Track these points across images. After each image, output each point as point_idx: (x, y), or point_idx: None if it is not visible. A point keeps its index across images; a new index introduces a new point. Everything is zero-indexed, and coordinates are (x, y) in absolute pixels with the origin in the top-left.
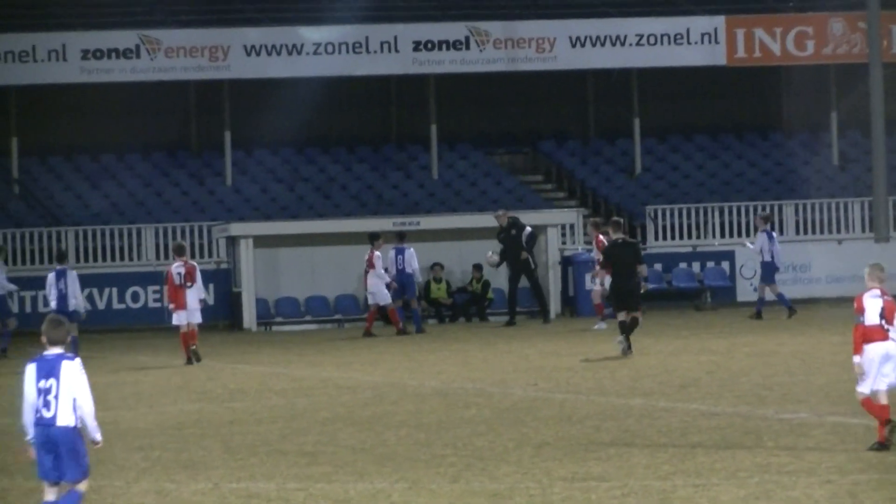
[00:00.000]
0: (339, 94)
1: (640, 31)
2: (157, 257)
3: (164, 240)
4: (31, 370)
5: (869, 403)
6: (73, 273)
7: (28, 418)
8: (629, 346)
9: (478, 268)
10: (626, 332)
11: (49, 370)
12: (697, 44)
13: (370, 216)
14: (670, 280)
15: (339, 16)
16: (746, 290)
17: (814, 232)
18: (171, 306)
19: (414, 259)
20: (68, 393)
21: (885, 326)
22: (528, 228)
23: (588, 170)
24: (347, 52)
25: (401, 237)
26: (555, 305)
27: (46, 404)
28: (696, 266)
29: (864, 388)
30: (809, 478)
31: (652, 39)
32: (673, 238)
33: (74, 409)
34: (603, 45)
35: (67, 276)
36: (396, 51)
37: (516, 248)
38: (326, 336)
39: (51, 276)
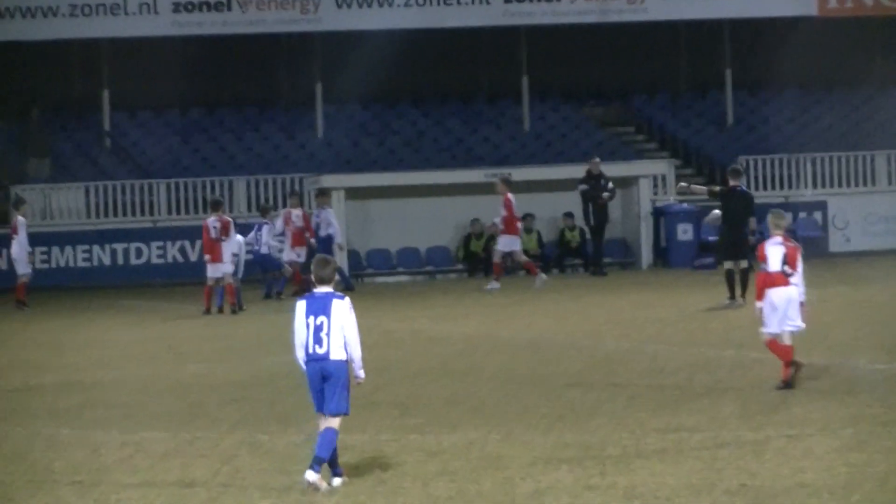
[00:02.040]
0: (429, 47)
1: None
2: (249, 209)
3: (256, 192)
4: (301, 307)
5: (774, 345)
6: (266, 225)
7: (300, 354)
8: (733, 297)
9: (569, 216)
10: (730, 282)
11: (321, 307)
12: None
13: (461, 168)
14: (762, 231)
15: None
16: (839, 241)
17: None
18: (208, 258)
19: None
20: (339, 329)
21: (788, 272)
22: (611, 184)
23: (679, 122)
24: (438, 4)
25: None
26: (647, 256)
27: (318, 340)
28: (788, 217)
29: (767, 331)
30: None
31: None
32: (765, 188)
33: (345, 345)
34: None
35: (263, 228)
36: (487, 3)
37: (603, 201)
38: (418, 288)
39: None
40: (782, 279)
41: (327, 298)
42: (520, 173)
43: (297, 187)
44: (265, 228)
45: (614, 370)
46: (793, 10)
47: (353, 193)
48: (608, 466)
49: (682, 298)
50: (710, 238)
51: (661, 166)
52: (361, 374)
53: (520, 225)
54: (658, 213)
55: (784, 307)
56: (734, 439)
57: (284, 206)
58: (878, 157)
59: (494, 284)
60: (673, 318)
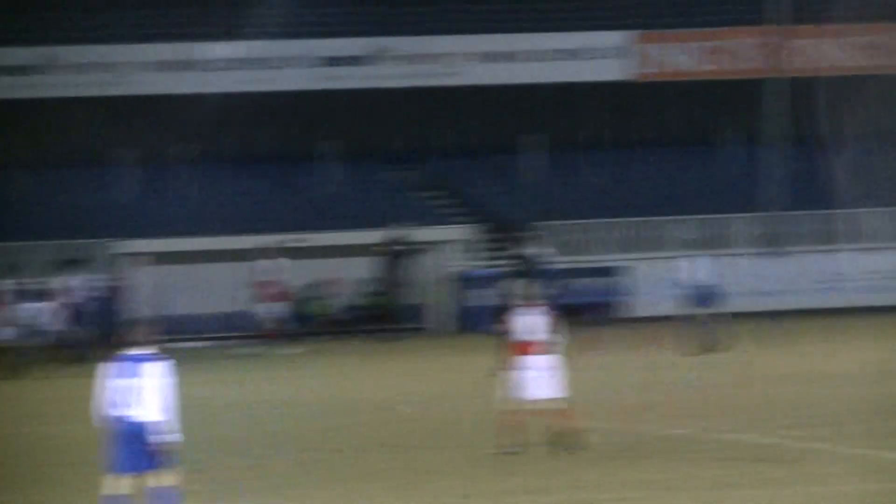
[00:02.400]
0: (234, 110)
1: (545, 47)
2: None
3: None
4: (113, 368)
5: (515, 416)
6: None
7: (105, 413)
8: None
9: (371, 280)
10: None
11: (134, 369)
12: (604, 59)
13: (263, 232)
14: (569, 295)
15: (248, 31)
16: (645, 305)
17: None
18: None
19: None
20: (153, 391)
21: (546, 339)
22: (412, 248)
23: (484, 187)
24: (251, 67)
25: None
26: (451, 321)
27: (131, 401)
28: (594, 281)
29: (529, 396)
30: (688, 492)
31: (557, 54)
32: (571, 253)
33: (157, 407)
34: (509, 60)
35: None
36: (301, 66)
37: (403, 262)
38: (208, 354)
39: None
40: (533, 347)
41: (145, 359)
42: (321, 238)
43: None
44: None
45: (455, 434)
46: (608, 75)
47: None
48: None
49: (481, 362)
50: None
51: (466, 231)
52: (176, 437)
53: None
54: (463, 279)
55: (536, 374)
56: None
57: None
58: (676, 222)
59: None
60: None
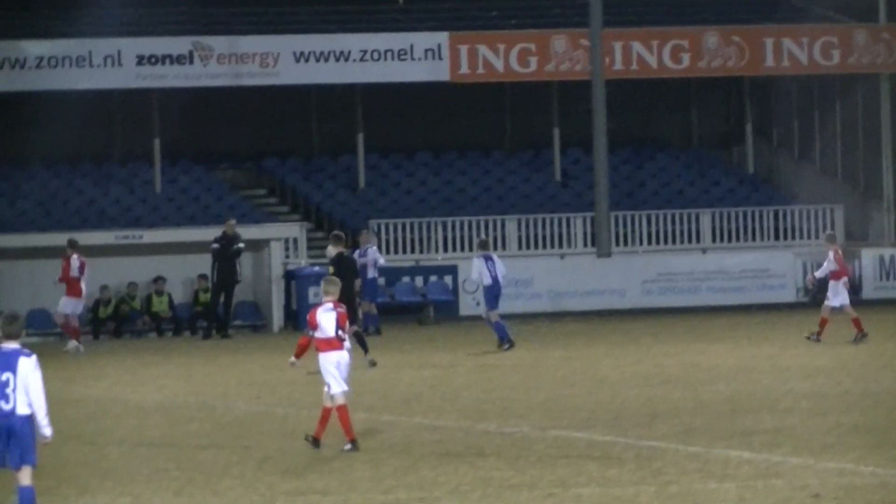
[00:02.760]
0: (62, 109)
1: (363, 47)
2: None
3: None
4: None
5: (328, 411)
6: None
7: None
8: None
9: (204, 277)
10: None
11: (6, 364)
12: (421, 60)
13: (91, 230)
14: (393, 294)
15: (60, 30)
16: (469, 305)
17: (536, 247)
18: None
19: None
20: (24, 386)
21: (342, 336)
22: (242, 245)
23: (311, 185)
24: (71, 65)
25: None
26: (278, 319)
27: (4, 396)
28: (419, 280)
29: (335, 392)
30: (532, 491)
31: (376, 55)
32: (396, 252)
33: (29, 402)
34: (327, 60)
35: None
36: (120, 65)
37: (232, 260)
38: (49, 349)
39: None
40: (338, 343)
41: (14, 355)
42: (151, 235)
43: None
44: None
45: (244, 433)
46: (426, 76)
47: None
48: None
49: (312, 361)
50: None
51: (293, 229)
52: (47, 431)
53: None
54: (289, 276)
55: (336, 368)
56: (364, 502)
57: None
58: (508, 221)
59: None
60: (303, 381)
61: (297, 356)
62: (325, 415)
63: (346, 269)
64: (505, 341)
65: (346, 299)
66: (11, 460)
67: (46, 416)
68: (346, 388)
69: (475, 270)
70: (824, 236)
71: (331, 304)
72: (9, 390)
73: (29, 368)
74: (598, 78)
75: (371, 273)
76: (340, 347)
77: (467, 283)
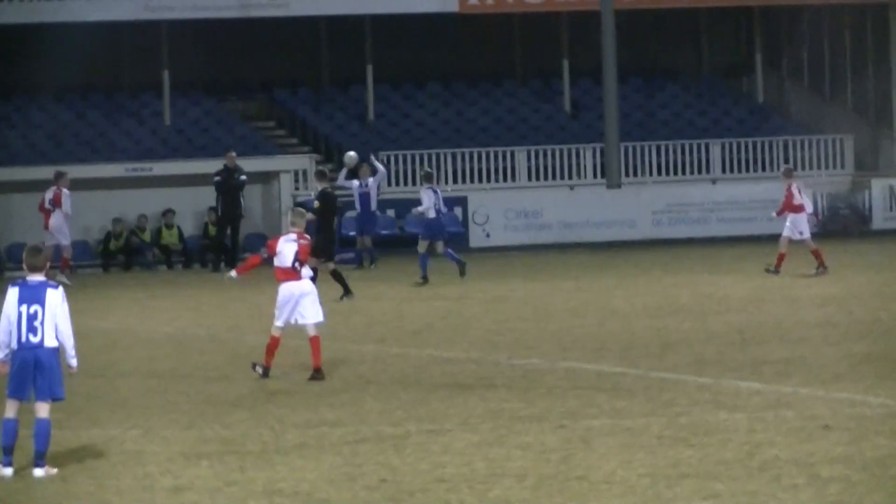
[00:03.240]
0: (71, 40)
1: None
2: None
3: None
4: (13, 294)
5: (275, 340)
6: None
7: (3, 339)
8: (349, 292)
9: (214, 210)
10: (340, 279)
11: (34, 296)
12: None
13: (102, 162)
14: (403, 226)
15: None
16: (479, 236)
17: (546, 178)
18: None
19: None
20: (52, 318)
21: (298, 267)
22: (244, 177)
23: (321, 117)
24: None
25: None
26: None
27: (32, 329)
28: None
29: (278, 324)
30: (541, 423)
31: None
32: (405, 184)
33: (57, 334)
34: None
35: None
36: None
37: (235, 192)
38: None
39: None
40: (294, 274)
41: (41, 287)
42: (161, 167)
43: None
44: None
45: None
46: (434, 7)
47: None
48: (248, 462)
49: (323, 294)
50: (352, 233)
51: (303, 161)
52: (74, 362)
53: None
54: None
55: (296, 300)
56: (375, 434)
57: None
58: (518, 152)
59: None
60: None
61: (239, 271)
62: (273, 344)
63: (329, 205)
64: (422, 276)
65: (329, 236)
66: (39, 393)
67: (74, 348)
68: (280, 324)
69: (427, 201)
70: (782, 170)
71: (294, 235)
72: (37, 323)
73: (57, 300)
74: (607, 8)
75: (373, 206)
76: (298, 278)
77: (412, 212)
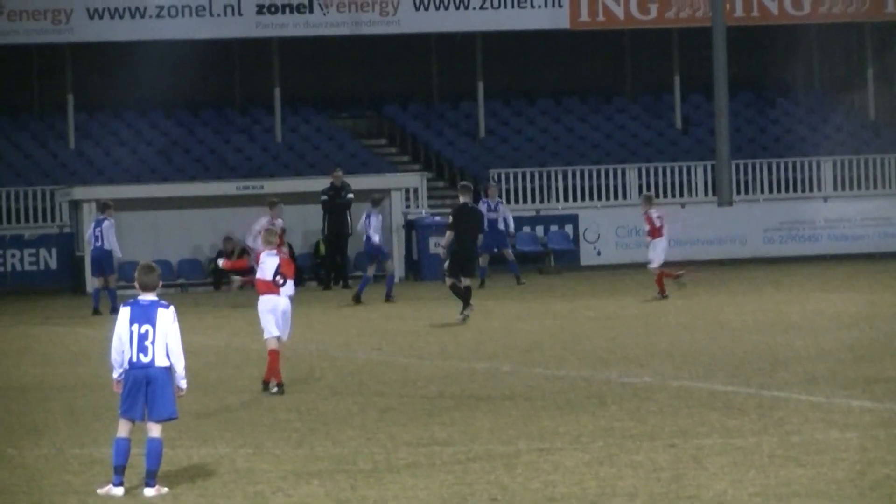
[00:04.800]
0: (182, 57)
1: None
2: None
3: (6, 203)
4: (125, 314)
5: (274, 353)
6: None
7: (116, 359)
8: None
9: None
10: (462, 297)
11: (145, 316)
12: (541, 7)
13: (213, 180)
14: (514, 244)
15: None
16: (590, 254)
17: (657, 196)
18: None
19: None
20: (163, 338)
21: (279, 281)
22: (351, 195)
23: (432, 133)
24: (191, 15)
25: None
26: (399, 269)
27: (143, 349)
28: (539, 230)
29: (271, 335)
30: (653, 442)
31: (496, 3)
32: (517, 202)
33: (167, 353)
34: (447, 8)
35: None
36: (240, 14)
37: (343, 211)
38: (169, 300)
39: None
40: (274, 288)
41: (152, 307)
42: (272, 185)
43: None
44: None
45: (366, 382)
46: (546, 24)
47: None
48: (359, 480)
49: (434, 311)
50: None
51: (414, 179)
52: (184, 384)
53: None
54: (410, 226)
55: (272, 312)
56: (486, 452)
57: None
58: (629, 169)
59: None
60: (425, 330)
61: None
62: (273, 357)
63: (468, 220)
64: (357, 296)
65: (468, 252)
66: (152, 413)
67: (184, 369)
68: (277, 333)
69: (373, 227)
70: (642, 197)
71: (274, 250)
72: (147, 342)
73: (168, 320)
74: (718, 23)
75: (500, 225)
76: (277, 292)
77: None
